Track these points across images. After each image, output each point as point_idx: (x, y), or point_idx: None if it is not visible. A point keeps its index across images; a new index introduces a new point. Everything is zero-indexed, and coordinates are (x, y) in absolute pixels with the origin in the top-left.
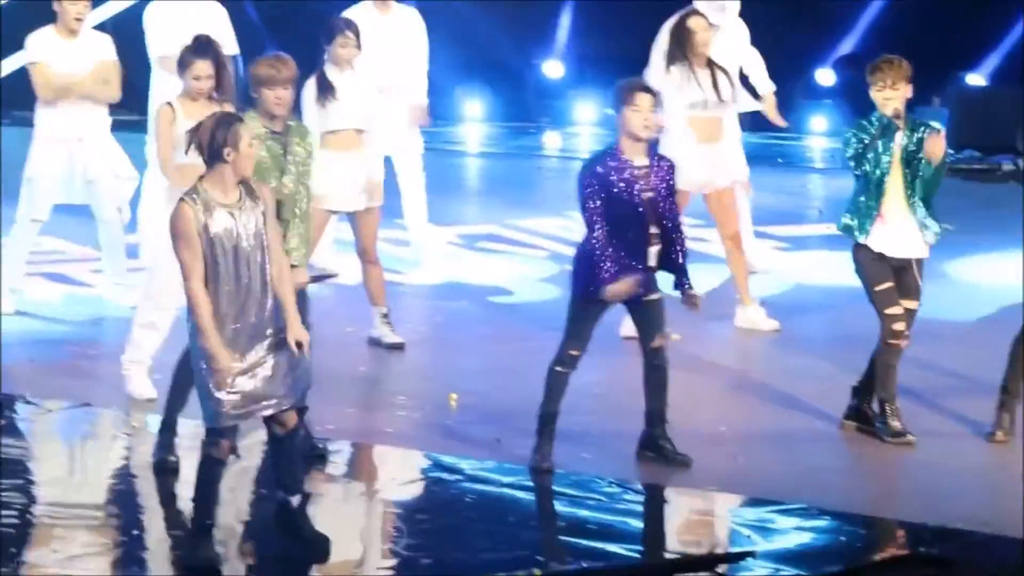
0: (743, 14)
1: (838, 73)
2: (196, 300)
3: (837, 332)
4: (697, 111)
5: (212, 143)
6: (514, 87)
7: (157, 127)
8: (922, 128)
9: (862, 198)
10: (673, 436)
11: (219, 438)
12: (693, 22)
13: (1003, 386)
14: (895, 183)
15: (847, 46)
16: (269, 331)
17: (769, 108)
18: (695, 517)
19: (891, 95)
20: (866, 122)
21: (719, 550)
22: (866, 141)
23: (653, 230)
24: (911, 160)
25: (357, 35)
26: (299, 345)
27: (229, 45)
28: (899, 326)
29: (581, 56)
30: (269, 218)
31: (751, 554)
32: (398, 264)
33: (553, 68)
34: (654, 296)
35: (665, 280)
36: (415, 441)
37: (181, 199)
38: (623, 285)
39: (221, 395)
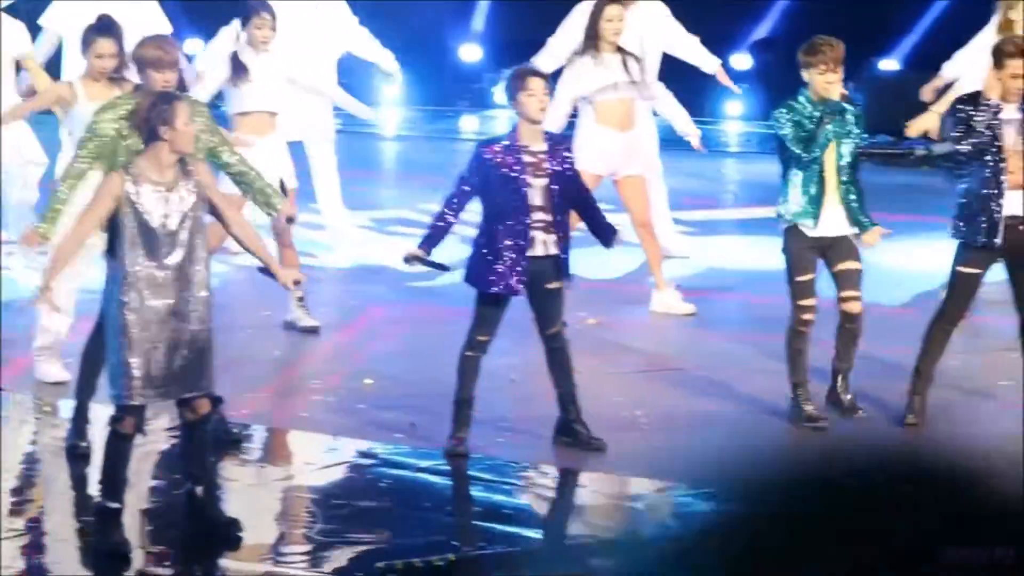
0: None
1: (754, 57)
2: (63, 246)
3: (752, 315)
4: (608, 95)
5: (147, 122)
6: (431, 70)
7: (43, 96)
8: (847, 110)
9: (809, 186)
10: (588, 420)
11: (124, 415)
12: (609, 11)
13: (916, 369)
14: (830, 167)
15: (762, 30)
16: (191, 314)
17: (722, 77)
18: (609, 501)
19: (833, 78)
20: (798, 104)
21: (633, 534)
22: (807, 125)
23: (542, 216)
24: (839, 147)
25: (273, 16)
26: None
27: (161, 25)
28: (808, 316)
29: (498, 40)
30: (212, 193)
31: (664, 538)
32: (313, 248)
33: (470, 51)
34: (554, 284)
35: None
36: (330, 426)
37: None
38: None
39: (131, 371)
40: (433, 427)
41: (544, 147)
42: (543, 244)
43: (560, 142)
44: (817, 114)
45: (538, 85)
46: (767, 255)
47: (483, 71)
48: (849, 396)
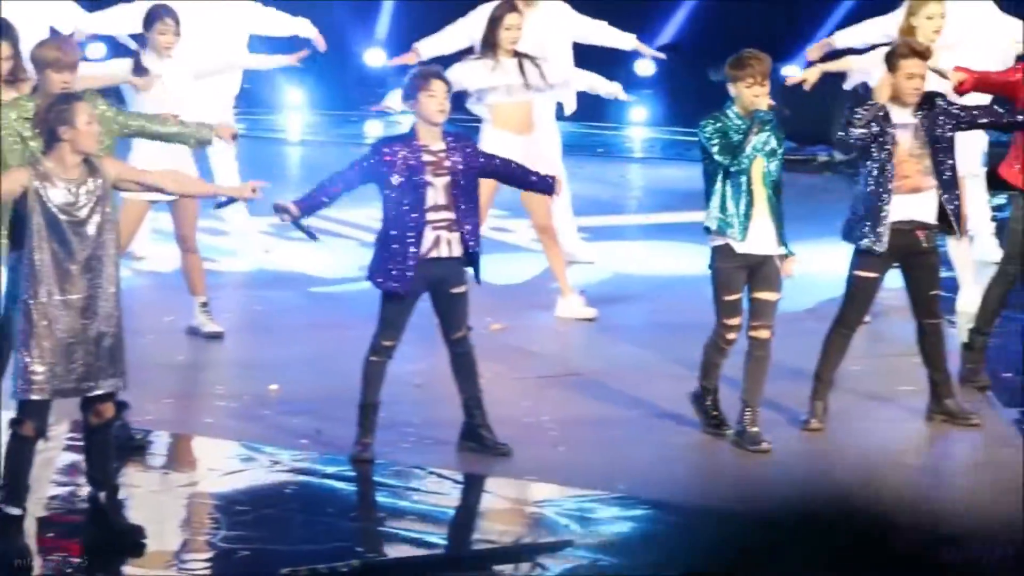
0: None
1: (657, 63)
2: None
3: (656, 321)
4: (504, 98)
5: (46, 123)
6: (336, 74)
7: None
8: (769, 123)
9: (737, 199)
10: (494, 425)
11: (25, 416)
12: (508, 19)
13: (816, 374)
14: (758, 181)
15: (665, 35)
16: (100, 310)
17: (643, 50)
18: (514, 506)
19: (760, 91)
20: (725, 116)
21: (538, 539)
22: (734, 136)
23: (446, 215)
24: (766, 162)
25: (177, 22)
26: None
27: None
28: (732, 335)
29: (403, 44)
30: (130, 177)
31: (569, 543)
32: (216, 253)
33: (375, 56)
34: (459, 288)
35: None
36: (234, 432)
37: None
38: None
39: (34, 365)
40: (338, 433)
41: (443, 145)
42: (447, 244)
43: (460, 139)
44: (744, 126)
45: (440, 88)
46: (670, 261)
47: (388, 76)
48: (756, 429)
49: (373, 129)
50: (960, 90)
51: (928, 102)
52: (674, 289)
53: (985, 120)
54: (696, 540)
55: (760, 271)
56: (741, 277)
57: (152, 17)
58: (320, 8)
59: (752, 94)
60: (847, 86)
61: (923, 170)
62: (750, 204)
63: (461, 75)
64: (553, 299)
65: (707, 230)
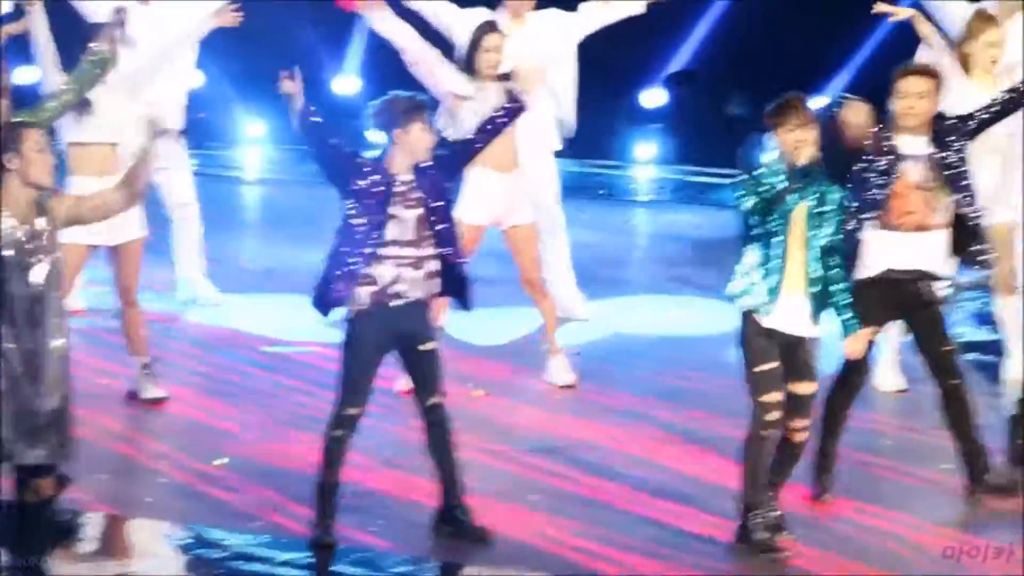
0: None
1: (670, 92)
2: None
3: (661, 387)
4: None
5: None
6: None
7: None
8: (822, 180)
9: (765, 265)
10: (473, 506)
11: None
12: (487, 41)
13: (820, 449)
14: (795, 246)
15: (678, 62)
16: (42, 369)
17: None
18: None
19: (804, 137)
20: (765, 170)
21: None
22: (770, 191)
23: (411, 252)
24: (813, 226)
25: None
26: None
27: None
28: (774, 415)
29: (374, 72)
30: (72, 213)
31: None
32: (164, 308)
33: (345, 84)
34: (428, 345)
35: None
36: (178, 512)
37: None
38: None
39: None
40: (294, 512)
41: (411, 176)
42: (409, 284)
43: (427, 167)
44: (783, 179)
45: (431, 122)
46: (680, 319)
47: (360, 105)
48: (778, 513)
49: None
50: None
51: (934, 129)
52: (682, 351)
53: (998, 109)
54: None
55: (790, 355)
56: (774, 345)
57: (87, 36)
58: (287, 34)
59: (794, 139)
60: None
61: (931, 205)
62: (781, 277)
63: (450, 84)
64: (543, 361)
65: (731, 298)
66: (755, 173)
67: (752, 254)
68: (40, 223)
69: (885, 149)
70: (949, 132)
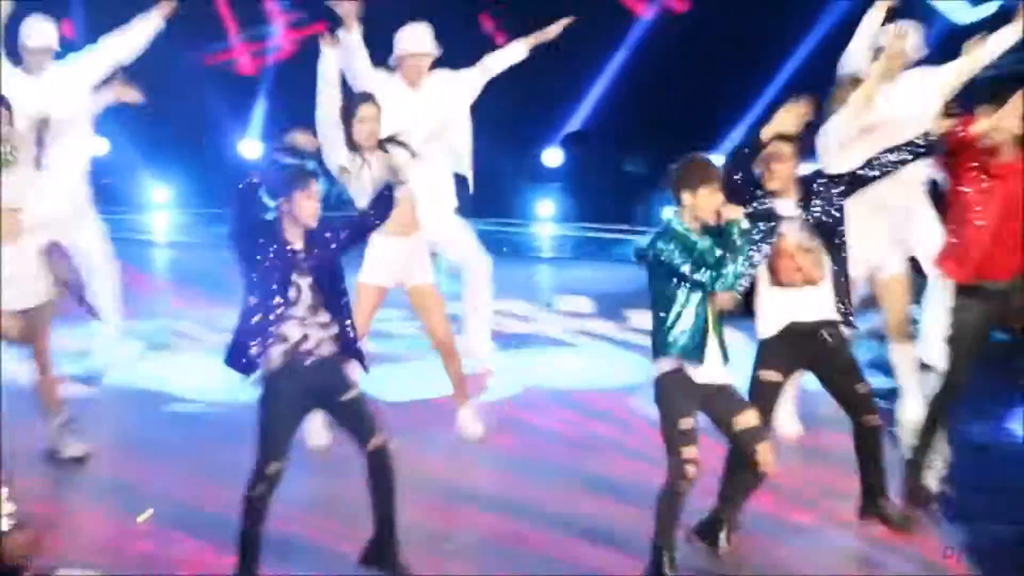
0: None
1: (566, 151)
2: None
3: (568, 436)
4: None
5: None
6: (207, 170)
7: None
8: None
9: (698, 319)
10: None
11: None
12: (362, 111)
13: (722, 496)
14: (711, 300)
15: (574, 123)
16: None
17: (539, 37)
18: None
19: (718, 198)
20: (675, 231)
21: None
22: (703, 252)
23: (312, 315)
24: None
25: (9, 108)
26: None
27: None
28: (693, 470)
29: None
30: None
31: None
32: (77, 366)
33: (251, 147)
34: (350, 394)
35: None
36: (101, 569)
37: None
38: None
39: None
40: (218, 563)
41: (302, 244)
42: (316, 343)
43: (317, 232)
44: (698, 239)
45: (317, 189)
46: (583, 371)
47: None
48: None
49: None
50: (965, 137)
51: (805, 188)
52: (588, 401)
53: (876, 174)
54: None
55: (720, 399)
56: (693, 401)
57: None
58: (191, 99)
59: (716, 202)
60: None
61: (816, 261)
62: (706, 326)
63: (334, 157)
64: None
65: (658, 357)
66: (671, 237)
67: (681, 311)
68: None
69: (763, 212)
70: (821, 191)
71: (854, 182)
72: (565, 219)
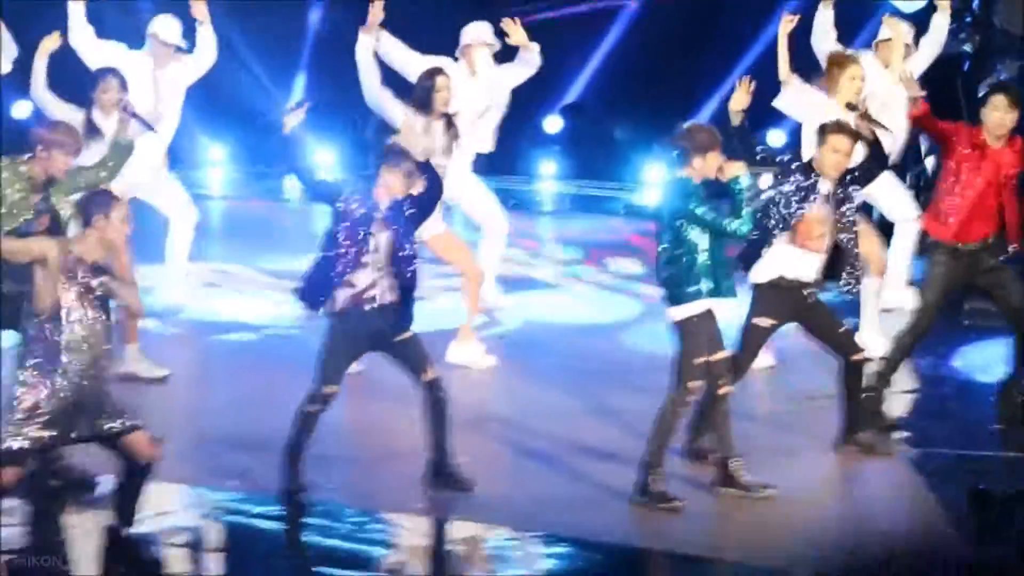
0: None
1: (564, 120)
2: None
3: (565, 366)
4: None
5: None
6: (256, 134)
7: None
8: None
9: (711, 264)
10: (414, 468)
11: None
12: (440, 81)
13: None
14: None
15: (571, 96)
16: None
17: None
18: (437, 545)
19: (720, 159)
20: (692, 188)
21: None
22: (717, 204)
23: (383, 264)
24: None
25: (122, 82)
26: None
27: None
28: (692, 400)
29: (318, 103)
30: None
31: None
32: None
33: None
34: (404, 335)
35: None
36: (166, 474)
37: None
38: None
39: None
40: (266, 473)
41: (389, 209)
42: (382, 290)
43: (403, 204)
44: (705, 192)
45: (404, 168)
46: (577, 310)
47: (304, 134)
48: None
49: (292, 183)
50: (912, 116)
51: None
52: (581, 336)
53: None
54: (612, 573)
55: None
56: (703, 340)
57: (96, 78)
58: (242, 74)
59: (719, 162)
60: (776, 102)
61: (827, 234)
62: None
63: (396, 117)
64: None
65: (687, 295)
66: (693, 188)
67: (697, 256)
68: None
69: (807, 185)
70: (847, 179)
71: (868, 176)
72: (563, 177)
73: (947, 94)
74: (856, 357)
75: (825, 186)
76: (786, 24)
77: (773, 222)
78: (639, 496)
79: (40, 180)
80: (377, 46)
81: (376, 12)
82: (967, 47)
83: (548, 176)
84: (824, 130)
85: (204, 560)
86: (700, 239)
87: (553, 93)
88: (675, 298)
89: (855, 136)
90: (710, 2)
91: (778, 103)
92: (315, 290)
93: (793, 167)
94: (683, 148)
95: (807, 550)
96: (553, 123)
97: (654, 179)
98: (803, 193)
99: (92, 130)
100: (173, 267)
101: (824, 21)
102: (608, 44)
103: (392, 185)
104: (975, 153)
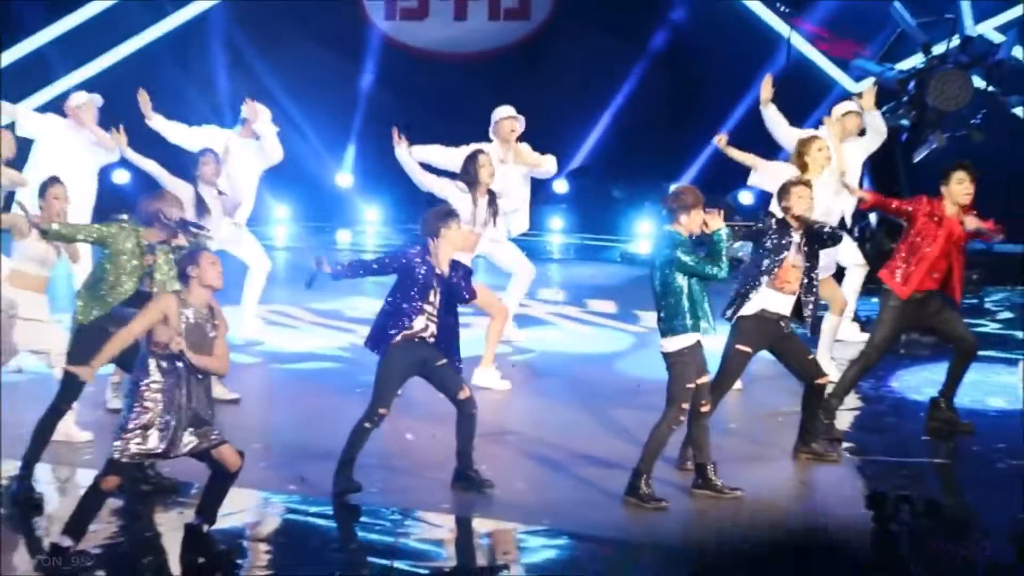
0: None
1: (569, 183)
2: (120, 336)
3: (572, 390)
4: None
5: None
6: (313, 194)
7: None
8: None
9: (694, 303)
10: (441, 474)
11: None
12: (482, 159)
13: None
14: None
15: (576, 161)
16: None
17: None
18: (461, 537)
19: (702, 216)
20: (680, 241)
21: (482, 564)
22: (699, 253)
23: (434, 312)
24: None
25: (214, 156)
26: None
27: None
28: (683, 419)
29: (366, 169)
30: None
31: (505, 567)
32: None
33: (344, 179)
34: (441, 361)
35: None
36: (240, 479)
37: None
38: None
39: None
40: (319, 480)
41: (447, 269)
42: (430, 330)
43: (457, 268)
44: (689, 244)
45: (458, 228)
46: (582, 343)
47: (354, 195)
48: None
49: (343, 237)
50: (863, 207)
51: (808, 227)
52: (582, 364)
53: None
54: (606, 562)
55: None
56: (697, 367)
57: (197, 155)
58: (294, 138)
59: (701, 218)
60: (751, 181)
61: (799, 277)
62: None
63: (447, 193)
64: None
65: (683, 328)
66: (681, 241)
67: (682, 297)
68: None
69: (783, 242)
70: (814, 232)
71: (835, 239)
72: (568, 231)
73: (888, 160)
74: (820, 381)
75: (796, 236)
76: (721, 140)
77: (760, 271)
78: (629, 495)
79: (147, 244)
80: (412, 156)
81: (398, 140)
82: (904, 121)
83: (556, 230)
84: (788, 186)
85: (268, 552)
86: (685, 282)
87: (562, 159)
88: (667, 332)
89: (810, 185)
90: (693, 83)
91: (752, 181)
92: (383, 335)
93: (772, 225)
94: (671, 207)
95: (766, 537)
96: (560, 185)
97: (646, 232)
98: (781, 245)
99: (200, 202)
100: (248, 307)
101: (771, 117)
102: (607, 119)
103: (448, 252)
104: (933, 221)
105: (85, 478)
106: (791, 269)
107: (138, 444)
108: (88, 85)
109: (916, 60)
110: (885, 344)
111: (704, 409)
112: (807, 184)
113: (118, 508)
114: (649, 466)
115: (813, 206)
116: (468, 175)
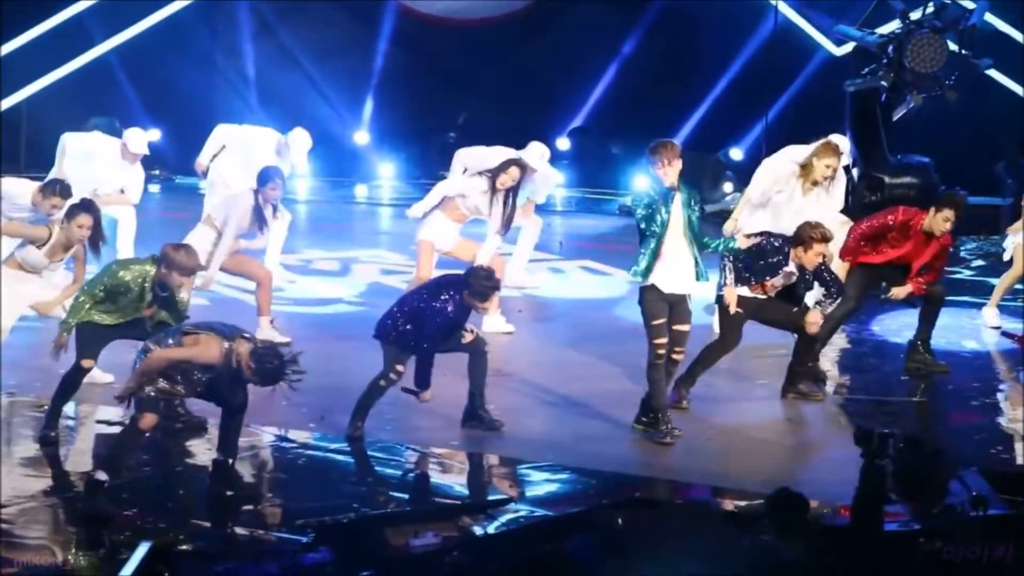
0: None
1: (571, 141)
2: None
3: (572, 333)
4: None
5: None
6: (333, 151)
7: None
8: (694, 191)
9: (646, 249)
10: (449, 414)
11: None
12: (513, 170)
13: (689, 371)
14: (674, 235)
15: (577, 121)
16: None
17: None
18: (470, 472)
19: (668, 171)
20: (646, 192)
21: (489, 497)
22: (652, 207)
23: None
24: (688, 215)
25: (283, 180)
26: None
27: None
28: (662, 350)
29: (382, 128)
30: None
31: (512, 499)
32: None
33: (361, 136)
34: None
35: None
36: (264, 417)
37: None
38: None
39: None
40: (337, 419)
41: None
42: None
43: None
44: (657, 198)
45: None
46: (583, 289)
47: (371, 152)
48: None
49: (360, 191)
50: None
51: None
52: (582, 309)
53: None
54: (607, 496)
55: (676, 307)
56: (663, 305)
57: (264, 177)
58: (315, 99)
59: (662, 172)
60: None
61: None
62: (657, 255)
63: (461, 184)
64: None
65: (634, 274)
66: (638, 196)
67: (645, 246)
68: None
69: (783, 266)
70: (822, 278)
71: (840, 291)
72: (571, 185)
73: (868, 118)
74: (810, 328)
75: (791, 267)
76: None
77: (748, 274)
78: (636, 422)
79: (154, 285)
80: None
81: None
82: (883, 82)
83: (559, 184)
84: (811, 238)
85: (290, 484)
86: (656, 228)
87: (563, 119)
88: (637, 273)
89: (829, 239)
90: (686, 47)
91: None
92: (389, 332)
93: (783, 248)
94: (654, 158)
95: (758, 471)
96: (563, 143)
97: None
98: (774, 266)
99: (260, 218)
100: (272, 256)
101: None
102: (605, 81)
103: (482, 307)
104: (902, 231)
105: (105, 415)
106: (771, 288)
107: (161, 383)
108: (120, 51)
109: (894, 25)
110: (858, 293)
111: (676, 356)
112: (826, 240)
113: (151, 445)
114: (659, 399)
115: (832, 255)
116: (493, 172)
